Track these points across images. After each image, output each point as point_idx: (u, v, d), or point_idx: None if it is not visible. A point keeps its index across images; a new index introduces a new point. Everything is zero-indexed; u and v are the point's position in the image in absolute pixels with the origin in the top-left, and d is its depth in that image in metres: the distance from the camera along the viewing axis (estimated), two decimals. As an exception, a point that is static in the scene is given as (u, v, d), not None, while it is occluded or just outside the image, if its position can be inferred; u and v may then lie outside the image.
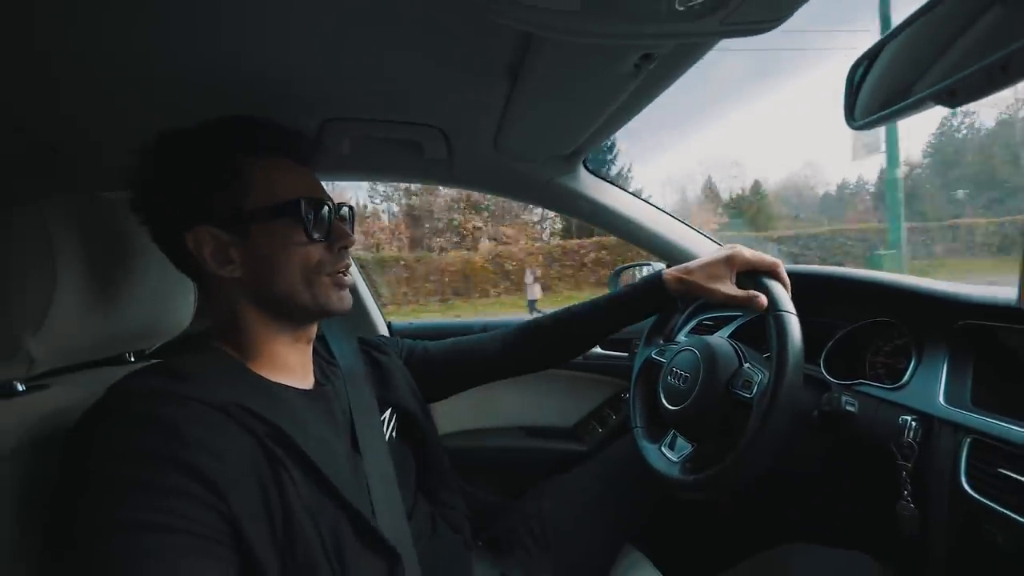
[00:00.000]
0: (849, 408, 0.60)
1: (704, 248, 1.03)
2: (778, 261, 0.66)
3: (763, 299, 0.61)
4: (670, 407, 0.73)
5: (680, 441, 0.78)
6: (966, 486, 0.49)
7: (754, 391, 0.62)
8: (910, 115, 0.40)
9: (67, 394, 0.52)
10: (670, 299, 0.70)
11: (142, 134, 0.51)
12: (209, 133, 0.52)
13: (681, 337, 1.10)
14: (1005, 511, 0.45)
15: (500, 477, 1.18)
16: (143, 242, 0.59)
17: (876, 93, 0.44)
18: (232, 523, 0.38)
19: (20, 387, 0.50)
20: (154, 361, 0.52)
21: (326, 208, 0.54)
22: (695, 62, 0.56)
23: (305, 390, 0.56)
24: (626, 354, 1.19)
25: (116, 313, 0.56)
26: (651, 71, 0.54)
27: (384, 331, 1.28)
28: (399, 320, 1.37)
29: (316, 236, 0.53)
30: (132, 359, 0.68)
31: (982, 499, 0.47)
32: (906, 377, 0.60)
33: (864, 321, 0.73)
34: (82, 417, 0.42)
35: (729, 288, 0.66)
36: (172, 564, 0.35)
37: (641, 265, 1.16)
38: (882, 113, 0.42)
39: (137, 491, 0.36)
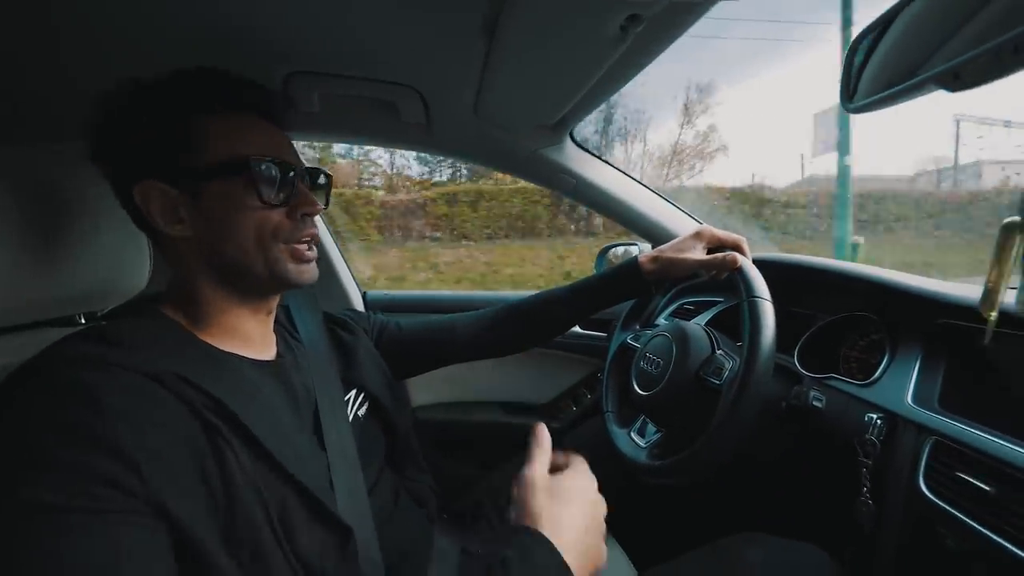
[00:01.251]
0: (816, 404, 0.59)
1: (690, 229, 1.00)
2: (742, 239, 0.67)
3: (734, 256, 0.63)
4: (641, 392, 0.72)
5: (649, 427, 0.78)
6: (923, 487, 0.48)
7: (724, 378, 0.61)
8: (911, 98, 0.37)
9: (2, 355, 0.49)
10: (645, 283, 0.69)
11: (91, 83, 0.47)
12: (167, 85, 0.48)
13: (661, 320, 1.09)
14: (958, 515, 0.45)
15: (476, 451, 1.19)
16: (92, 197, 0.55)
17: (877, 74, 0.40)
18: (151, 500, 0.36)
19: None
20: (92, 324, 0.49)
21: (289, 170, 0.50)
22: (687, 28, 0.51)
23: (262, 360, 0.53)
24: (605, 334, 1.18)
25: (61, 271, 0.53)
26: (639, 35, 0.49)
27: (359, 303, 1.25)
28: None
29: (271, 199, 0.49)
30: (82, 321, 0.64)
31: (937, 501, 0.47)
32: (877, 374, 0.59)
33: (842, 314, 0.71)
34: (5, 380, 0.39)
35: (698, 255, 0.67)
36: (70, 545, 0.32)
37: (628, 245, 1.13)
38: (881, 95, 0.38)
39: (45, 467, 0.33)
